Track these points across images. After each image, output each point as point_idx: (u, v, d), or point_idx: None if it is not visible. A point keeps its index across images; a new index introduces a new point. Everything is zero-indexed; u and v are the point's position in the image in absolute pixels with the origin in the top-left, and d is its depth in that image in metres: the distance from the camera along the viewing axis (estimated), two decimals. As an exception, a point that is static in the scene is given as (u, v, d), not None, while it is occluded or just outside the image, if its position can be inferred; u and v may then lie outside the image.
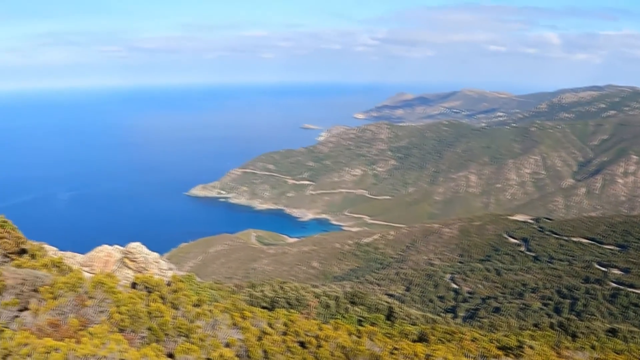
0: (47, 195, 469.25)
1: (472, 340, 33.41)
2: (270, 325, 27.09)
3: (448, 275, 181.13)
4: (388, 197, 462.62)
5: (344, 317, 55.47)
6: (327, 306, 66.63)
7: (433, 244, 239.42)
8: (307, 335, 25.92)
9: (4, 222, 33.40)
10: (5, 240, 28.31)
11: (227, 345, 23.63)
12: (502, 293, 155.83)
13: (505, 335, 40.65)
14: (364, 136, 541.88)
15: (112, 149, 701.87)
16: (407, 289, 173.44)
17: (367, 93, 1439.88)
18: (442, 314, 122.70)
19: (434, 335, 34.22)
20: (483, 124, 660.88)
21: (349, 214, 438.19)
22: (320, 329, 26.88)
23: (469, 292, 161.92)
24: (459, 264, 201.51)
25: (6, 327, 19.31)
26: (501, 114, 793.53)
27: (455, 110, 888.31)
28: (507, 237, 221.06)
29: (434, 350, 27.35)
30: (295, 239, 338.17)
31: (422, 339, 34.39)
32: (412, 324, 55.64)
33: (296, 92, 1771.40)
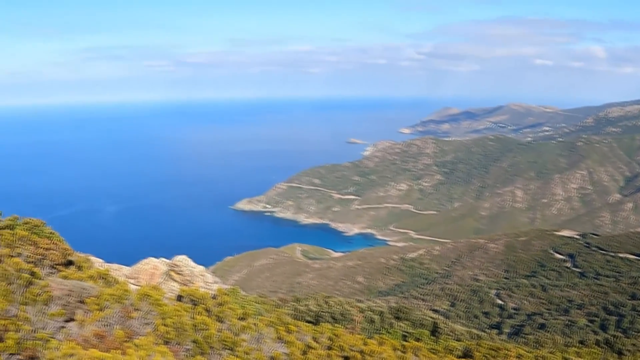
0: (94, 207, 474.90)
1: (517, 357, 33.07)
2: (315, 339, 27.01)
3: (493, 291, 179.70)
4: (433, 212, 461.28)
5: (388, 332, 55.27)
6: (372, 321, 66.42)
7: (478, 260, 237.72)
8: (352, 350, 25.80)
9: (51, 233, 33.76)
10: (53, 251, 28.54)
11: (272, 358, 23.58)
12: (547, 309, 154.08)
13: (550, 352, 40.19)
14: (409, 151, 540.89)
15: (158, 162, 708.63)
16: (452, 305, 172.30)
17: (412, 108, 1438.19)
18: (487, 330, 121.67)
19: (478, 352, 33.91)
20: (529, 139, 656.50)
21: (394, 229, 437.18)
22: (365, 344, 26.74)
23: (515, 308, 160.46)
24: (504, 279, 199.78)
25: (52, 338, 19.43)
26: (547, 128, 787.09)
27: (501, 125, 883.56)
28: (553, 252, 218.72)
29: (480, 366, 27.14)
30: (340, 254, 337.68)
31: (466, 355, 34.11)
32: (456, 340, 55.22)
33: (342, 107, 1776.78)
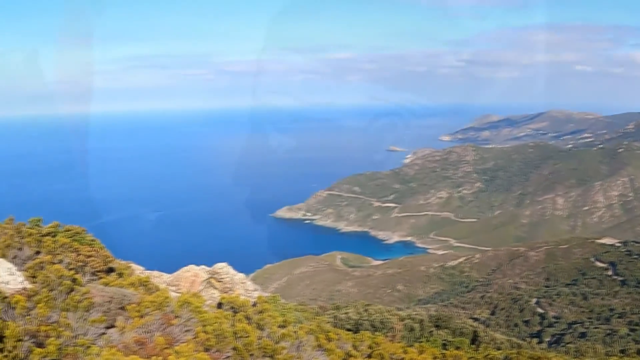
0: (135, 215, 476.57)
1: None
2: (355, 347, 26.90)
3: (534, 300, 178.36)
4: (474, 219, 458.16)
5: (428, 340, 54.99)
6: (412, 329, 66.14)
7: (519, 268, 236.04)
8: (392, 358, 25.67)
9: (93, 240, 34.02)
10: (94, 258, 28.75)
11: (312, 366, 23.50)
12: (588, 318, 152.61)
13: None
14: (449, 158, 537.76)
15: (199, 170, 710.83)
16: (492, 313, 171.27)
17: (452, 115, 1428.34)
18: (527, 339, 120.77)
19: (520, 361, 33.62)
20: (570, 146, 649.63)
21: (434, 237, 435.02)
22: (405, 352, 26.61)
23: (555, 317, 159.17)
24: (545, 288, 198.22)
25: (93, 344, 19.51)
26: (588, 135, 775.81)
27: (541, 132, 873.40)
28: (594, 260, 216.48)
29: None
30: (380, 262, 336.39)
31: (508, 363, 33.80)
32: (496, 349, 54.83)
33: (381, 114, 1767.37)
